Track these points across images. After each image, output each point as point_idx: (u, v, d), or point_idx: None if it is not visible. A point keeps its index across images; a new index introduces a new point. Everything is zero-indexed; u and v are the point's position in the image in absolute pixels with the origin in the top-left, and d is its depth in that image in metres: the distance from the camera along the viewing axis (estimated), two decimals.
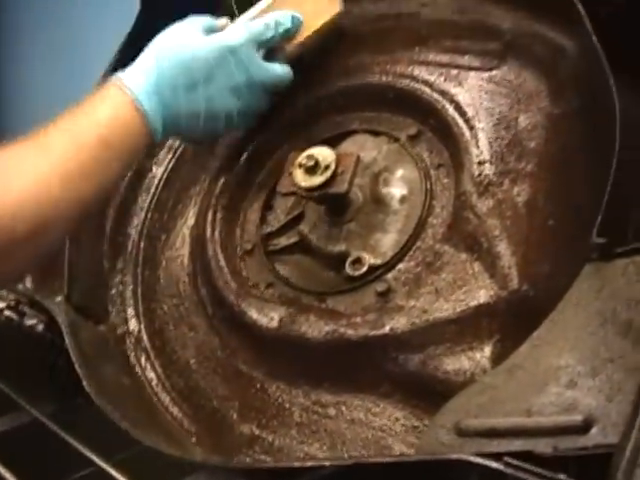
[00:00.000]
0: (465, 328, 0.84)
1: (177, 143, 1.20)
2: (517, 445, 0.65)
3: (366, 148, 1.00)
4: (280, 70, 1.00)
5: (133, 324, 1.08)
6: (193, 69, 0.93)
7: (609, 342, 0.68)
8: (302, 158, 0.93)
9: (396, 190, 0.96)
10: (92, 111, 0.87)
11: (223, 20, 1.02)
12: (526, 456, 0.64)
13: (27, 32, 2.80)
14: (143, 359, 1.05)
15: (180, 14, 0.99)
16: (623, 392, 0.64)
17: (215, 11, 1.05)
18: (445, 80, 0.99)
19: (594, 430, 0.63)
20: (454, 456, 0.67)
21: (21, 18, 2.80)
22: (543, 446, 0.64)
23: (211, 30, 0.98)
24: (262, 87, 0.99)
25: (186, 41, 0.94)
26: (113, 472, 0.92)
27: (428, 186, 0.94)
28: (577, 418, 0.64)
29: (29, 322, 1.05)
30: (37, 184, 0.80)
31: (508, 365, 0.72)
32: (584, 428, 0.64)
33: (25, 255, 0.81)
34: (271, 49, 1.01)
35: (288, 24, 0.99)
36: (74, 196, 0.82)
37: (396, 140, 0.99)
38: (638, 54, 0.86)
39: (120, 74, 0.92)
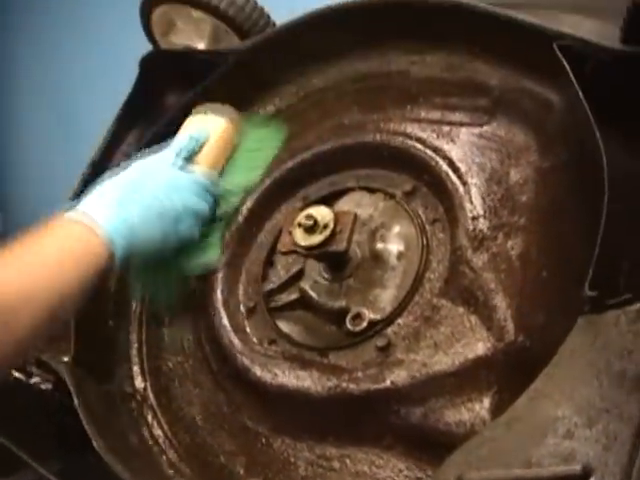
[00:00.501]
0: (464, 380, 0.85)
1: None
2: None
3: (363, 205, 1.02)
4: (195, 176, 1.01)
5: (139, 382, 1.09)
6: (131, 178, 0.97)
7: (604, 392, 0.70)
8: (301, 217, 0.95)
9: (393, 246, 0.98)
10: (50, 226, 0.89)
11: None
12: None
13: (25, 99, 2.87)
14: (150, 417, 1.06)
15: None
16: (619, 441, 0.66)
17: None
18: (437, 137, 1.02)
19: (592, 479, 0.65)
20: None
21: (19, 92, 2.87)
22: None
23: None
24: (188, 190, 0.99)
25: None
26: None
27: (424, 242, 0.96)
28: (576, 468, 0.65)
29: (37, 382, 1.07)
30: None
31: (506, 418, 0.73)
32: (583, 477, 0.65)
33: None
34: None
35: (182, 145, 1.01)
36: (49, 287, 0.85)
37: (392, 197, 1.02)
38: (623, 107, 0.88)
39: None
